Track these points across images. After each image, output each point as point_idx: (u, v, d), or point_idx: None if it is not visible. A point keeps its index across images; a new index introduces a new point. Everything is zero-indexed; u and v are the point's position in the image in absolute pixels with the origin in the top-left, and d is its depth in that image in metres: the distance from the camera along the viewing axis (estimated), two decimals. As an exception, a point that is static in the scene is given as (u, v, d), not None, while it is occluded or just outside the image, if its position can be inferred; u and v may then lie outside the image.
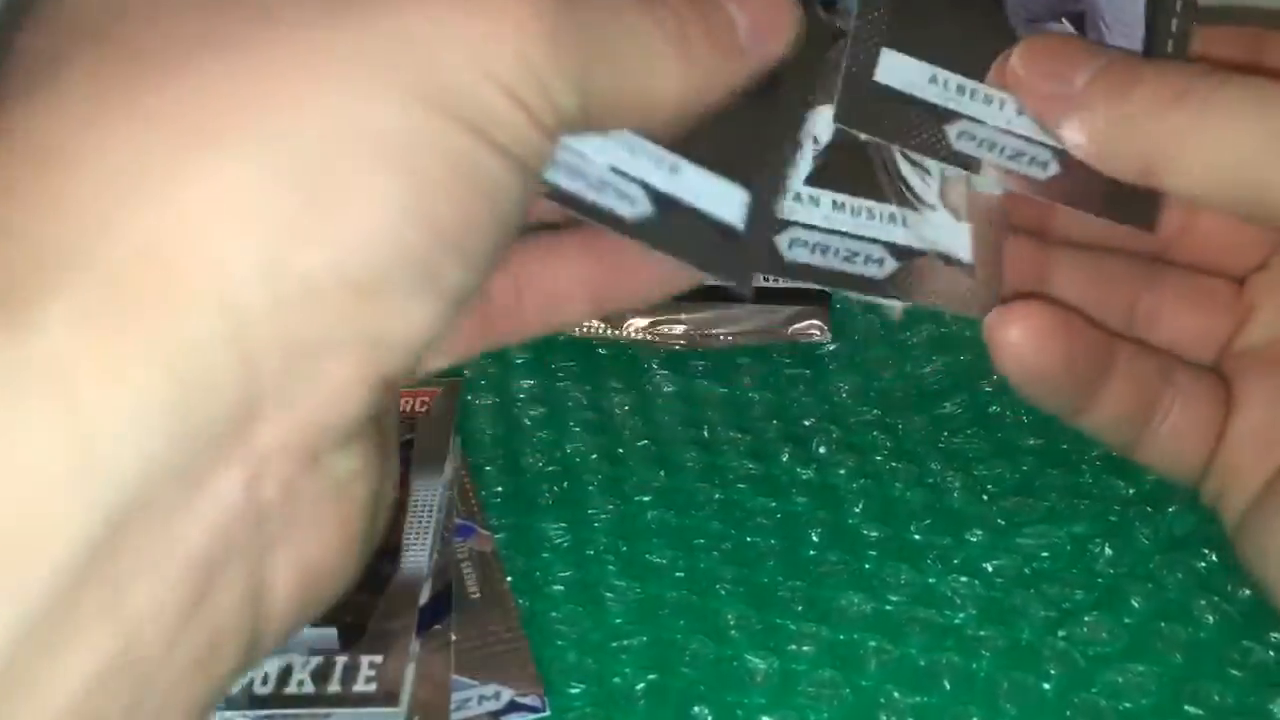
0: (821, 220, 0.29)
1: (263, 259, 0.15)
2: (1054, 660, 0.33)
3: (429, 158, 0.17)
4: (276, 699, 0.32)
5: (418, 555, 0.36)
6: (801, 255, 0.28)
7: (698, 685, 0.33)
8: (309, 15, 0.16)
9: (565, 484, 0.40)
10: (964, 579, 0.36)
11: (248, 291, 0.15)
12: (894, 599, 0.35)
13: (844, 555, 0.37)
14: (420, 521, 0.37)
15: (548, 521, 0.38)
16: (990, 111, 0.29)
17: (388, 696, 0.32)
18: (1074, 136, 0.25)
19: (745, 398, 0.43)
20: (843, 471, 0.40)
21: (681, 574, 0.36)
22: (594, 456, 0.40)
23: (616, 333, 0.45)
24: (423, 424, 0.41)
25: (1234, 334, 0.27)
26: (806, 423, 0.42)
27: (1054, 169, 0.28)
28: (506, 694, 0.32)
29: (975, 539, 0.37)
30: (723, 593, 0.36)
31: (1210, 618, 0.35)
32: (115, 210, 0.15)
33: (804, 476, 0.40)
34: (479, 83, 0.17)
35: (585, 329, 0.45)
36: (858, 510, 0.38)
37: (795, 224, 0.28)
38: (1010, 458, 0.40)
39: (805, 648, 0.34)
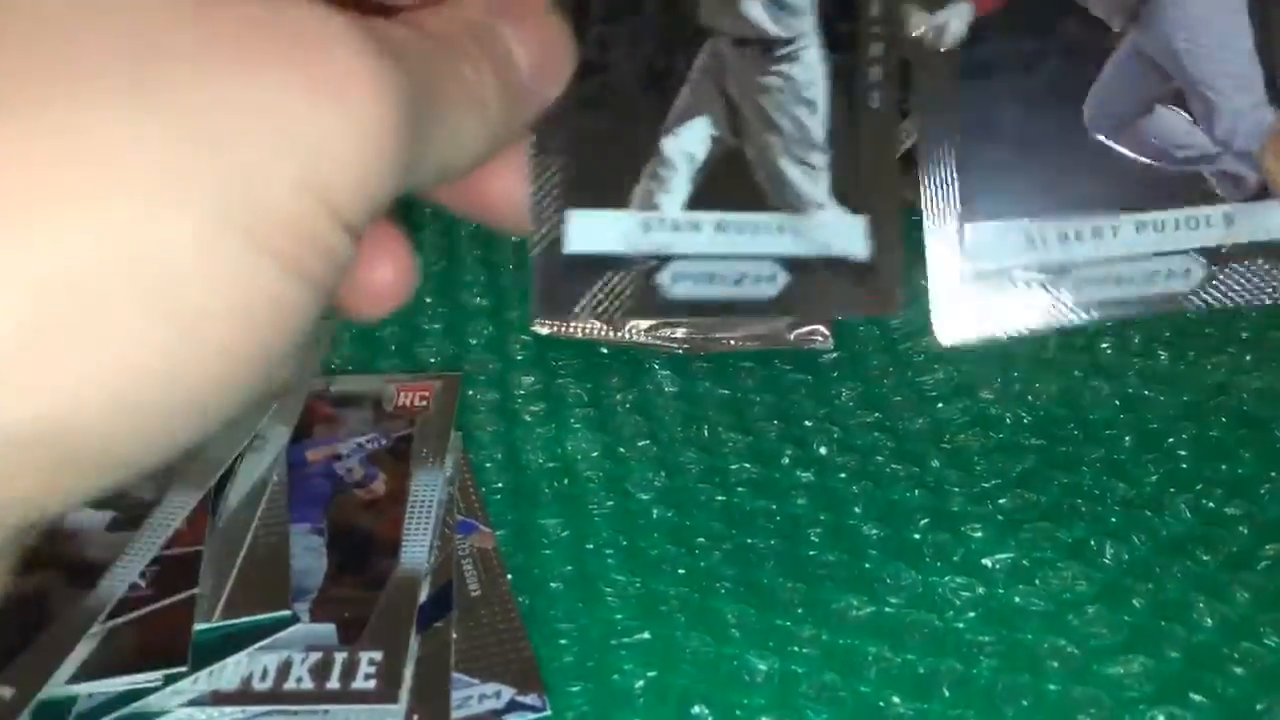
0: (705, 246, 0.27)
1: None
2: (1054, 660, 0.33)
3: (215, 295, 0.14)
4: (275, 695, 0.31)
5: (417, 551, 0.36)
6: (685, 289, 0.27)
7: (698, 684, 0.33)
8: (112, 83, 0.13)
9: (566, 481, 0.40)
10: (963, 579, 0.36)
11: None
12: (894, 600, 0.35)
13: (844, 556, 0.37)
14: (420, 517, 0.37)
15: (548, 519, 0.38)
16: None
17: (387, 693, 0.31)
18: None
19: (747, 399, 0.43)
20: (843, 475, 0.40)
21: (682, 573, 0.36)
22: (595, 454, 0.40)
23: (618, 336, 0.45)
24: (422, 419, 0.41)
25: None
26: (807, 424, 0.42)
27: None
28: (507, 692, 0.32)
29: (975, 538, 0.37)
30: (723, 592, 0.35)
31: (1208, 619, 0.35)
32: None
33: (804, 478, 0.40)
34: (305, 207, 0.14)
35: (586, 332, 0.45)
36: (858, 511, 0.38)
37: (676, 257, 0.27)
38: (1011, 458, 0.40)
39: (805, 650, 0.34)
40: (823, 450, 0.41)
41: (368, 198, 0.16)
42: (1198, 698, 0.32)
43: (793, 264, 0.28)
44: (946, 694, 0.33)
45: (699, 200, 0.27)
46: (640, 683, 0.33)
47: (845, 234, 0.28)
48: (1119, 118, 0.28)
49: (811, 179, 0.28)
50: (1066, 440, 0.41)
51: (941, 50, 0.28)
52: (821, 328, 0.45)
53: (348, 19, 0.16)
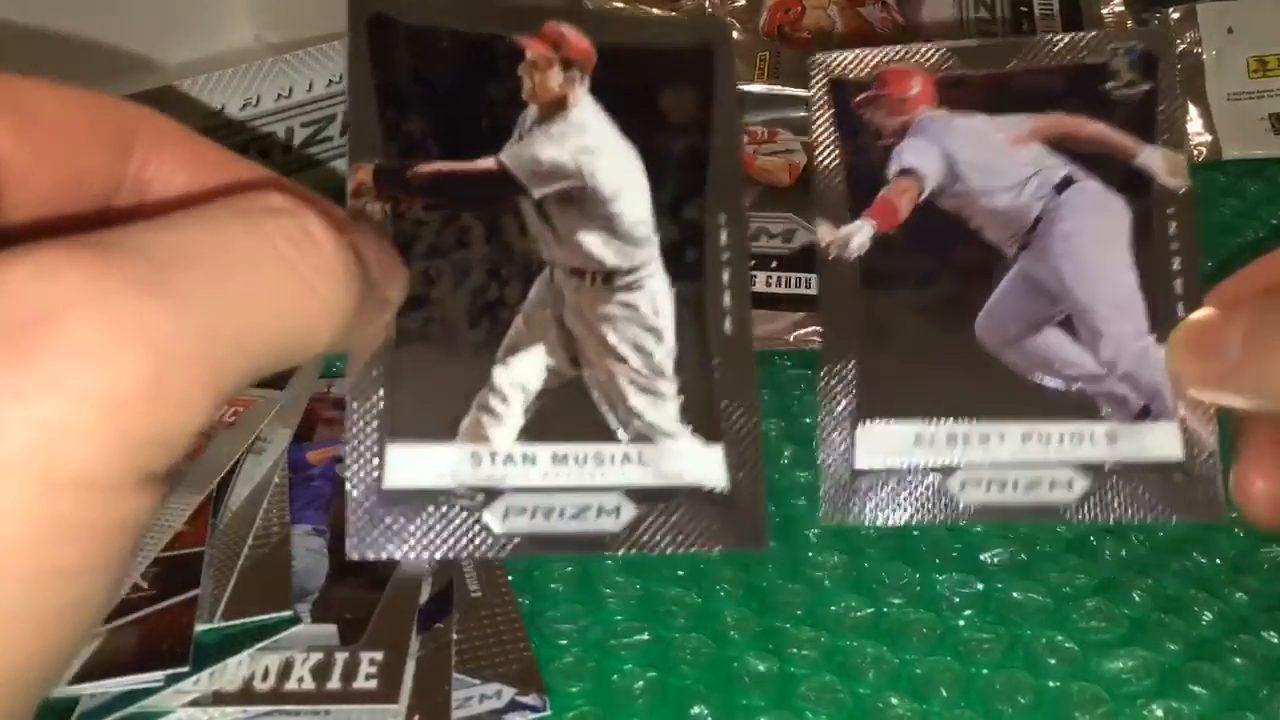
0: (541, 479, 0.26)
1: None
2: (1053, 656, 0.34)
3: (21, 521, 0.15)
4: (276, 695, 0.32)
5: (418, 553, 0.36)
6: (520, 525, 0.25)
7: (697, 685, 0.33)
8: None
9: (566, 483, 0.40)
10: (961, 575, 0.36)
11: None
12: (894, 601, 0.35)
13: (843, 556, 0.37)
14: (421, 519, 0.37)
15: (548, 520, 0.38)
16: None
17: (387, 693, 0.32)
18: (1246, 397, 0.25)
19: (746, 399, 0.43)
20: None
21: (681, 574, 0.36)
22: (594, 456, 0.40)
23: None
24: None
25: None
26: (806, 420, 0.42)
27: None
28: (507, 693, 0.32)
29: (973, 533, 0.37)
30: (722, 594, 0.36)
31: (1207, 614, 0.35)
32: None
33: (803, 478, 0.40)
34: (99, 451, 0.15)
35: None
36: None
37: (507, 490, 0.26)
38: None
39: (805, 651, 0.34)
40: (822, 450, 0.41)
41: (155, 445, 0.16)
42: (1197, 689, 0.33)
43: (640, 495, 0.26)
44: (944, 694, 0.33)
45: (534, 432, 0.26)
46: (640, 683, 0.33)
47: (699, 464, 0.27)
48: (1009, 335, 0.29)
49: (659, 408, 0.27)
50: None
51: (846, 260, 0.29)
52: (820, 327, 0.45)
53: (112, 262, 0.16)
